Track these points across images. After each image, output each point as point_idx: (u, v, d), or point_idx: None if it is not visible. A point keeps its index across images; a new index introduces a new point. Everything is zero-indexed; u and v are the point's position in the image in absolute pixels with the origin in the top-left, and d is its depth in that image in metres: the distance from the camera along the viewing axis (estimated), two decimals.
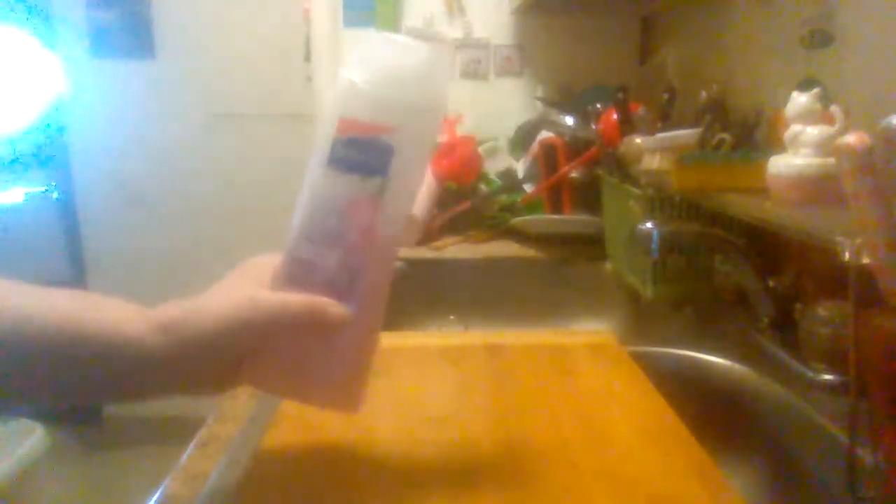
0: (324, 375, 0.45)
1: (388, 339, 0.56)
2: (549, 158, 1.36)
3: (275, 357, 0.45)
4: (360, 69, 0.45)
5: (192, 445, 0.59)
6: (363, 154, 0.43)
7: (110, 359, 0.42)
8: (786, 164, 0.73)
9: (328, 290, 0.44)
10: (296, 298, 0.44)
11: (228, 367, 0.45)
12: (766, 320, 0.81)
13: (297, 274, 0.45)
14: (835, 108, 0.69)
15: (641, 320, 1.10)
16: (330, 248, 0.44)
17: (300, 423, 0.56)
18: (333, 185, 0.44)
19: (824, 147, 0.70)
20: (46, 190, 2.51)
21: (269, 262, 0.47)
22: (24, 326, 0.40)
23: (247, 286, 0.46)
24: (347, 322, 0.44)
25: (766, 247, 0.85)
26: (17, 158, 2.48)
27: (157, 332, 0.42)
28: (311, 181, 0.45)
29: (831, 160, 0.68)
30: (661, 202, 0.96)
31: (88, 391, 0.45)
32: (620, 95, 1.16)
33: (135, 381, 0.44)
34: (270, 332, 0.44)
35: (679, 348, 0.83)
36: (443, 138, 1.59)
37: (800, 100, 0.72)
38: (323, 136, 0.45)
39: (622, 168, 1.07)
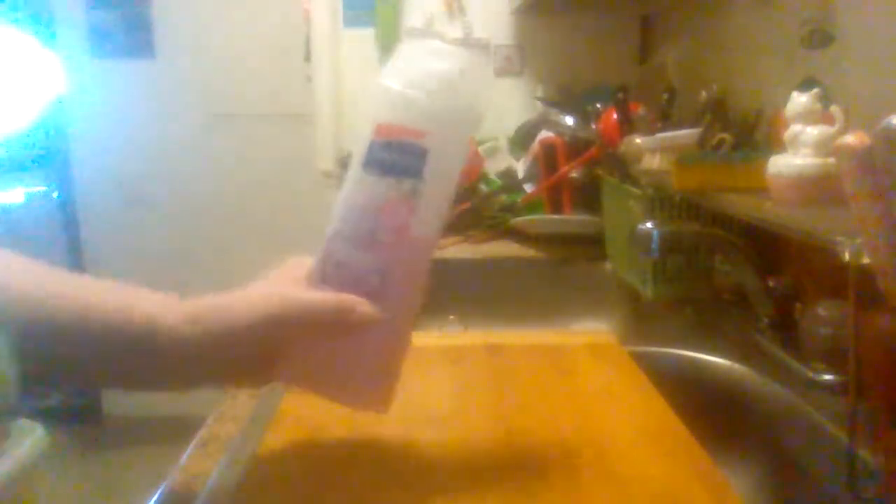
0: (353, 374, 0.46)
1: None
2: (549, 158, 1.36)
3: (306, 354, 0.46)
4: (397, 74, 0.46)
5: (192, 445, 0.59)
6: (398, 157, 0.44)
7: (144, 346, 0.43)
8: (786, 164, 0.73)
9: (360, 289, 0.44)
10: (324, 297, 0.45)
11: (259, 362, 0.46)
12: (766, 320, 0.81)
13: (330, 274, 0.45)
14: (835, 108, 0.69)
15: (641, 320, 1.10)
16: (363, 249, 0.45)
17: (300, 423, 0.56)
18: (368, 188, 0.45)
19: (824, 147, 0.70)
20: (46, 190, 2.51)
21: (308, 262, 0.48)
22: (67, 314, 0.42)
23: (281, 284, 0.47)
24: (375, 322, 0.44)
25: (766, 247, 0.85)
26: (18, 158, 2.48)
27: (190, 322, 0.43)
28: (348, 184, 0.46)
29: (831, 160, 0.68)
30: (661, 202, 0.96)
31: (121, 378, 0.46)
32: (620, 95, 1.16)
33: (167, 370, 0.45)
34: (299, 329, 0.45)
35: (679, 348, 0.83)
36: None
37: (800, 100, 0.72)
38: (361, 140, 0.46)
39: (622, 168, 1.07)
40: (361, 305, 0.44)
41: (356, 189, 0.46)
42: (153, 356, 0.43)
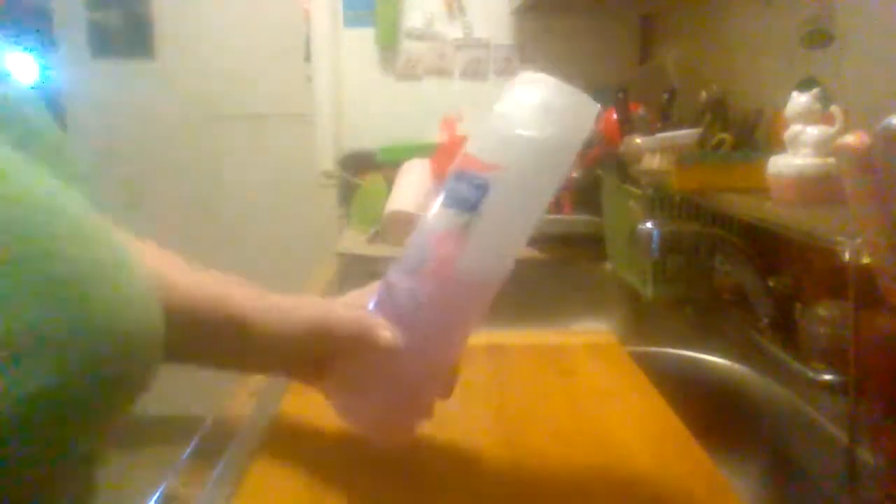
0: (374, 403, 0.45)
1: None
2: None
3: (340, 374, 0.46)
4: (500, 104, 0.45)
5: (192, 445, 0.58)
6: (461, 188, 0.43)
7: (236, 330, 0.47)
8: (786, 164, 0.73)
9: (396, 312, 0.43)
10: (347, 314, 0.45)
11: (307, 368, 0.48)
12: (766, 320, 0.81)
13: (381, 293, 0.45)
14: (835, 108, 0.69)
15: (641, 320, 1.10)
16: (409, 274, 0.44)
17: (300, 423, 0.56)
18: (434, 217, 0.44)
19: (824, 147, 0.70)
20: None
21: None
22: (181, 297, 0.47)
23: (336, 301, 0.49)
24: (393, 347, 0.43)
25: (766, 247, 0.85)
26: None
27: (276, 311, 0.47)
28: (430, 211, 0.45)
29: (831, 160, 0.68)
30: (661, 202, 0.96)
31: (209, 358, 0.52)
32: (620, 95, 1.16)
33: (250, 354, 0.49)
34: (327, 343, 0.45)
35: (679, 348, 0.83)
36: (443, 138, 1.59)
37: (800, 100, 0.72)
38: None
39: (622, 168, 1.07)
40: (381, 329, 0.43)
41: (428, 217, 0.45)
42: (243, 340, 0.47)
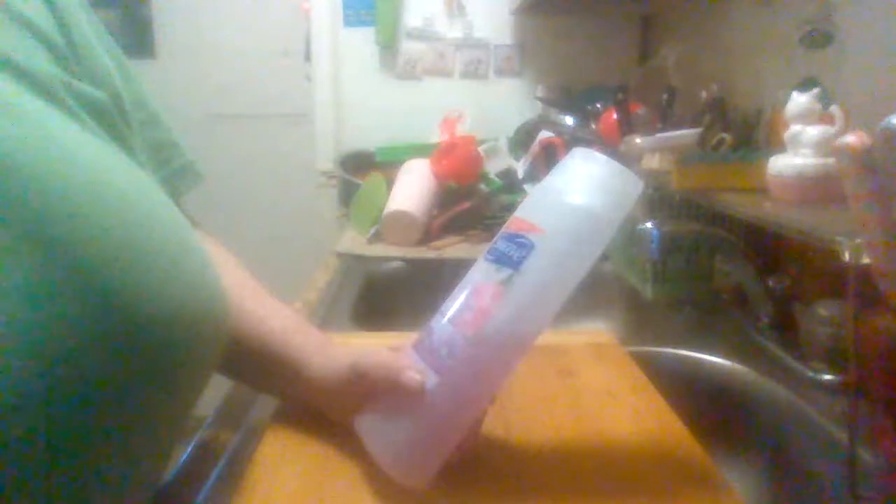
0: (396, 441, 0.47)
1: (389, 340, 0.56)
2: (549, 158, 1.36)
3: (373, 411, 0.48)
4: (552, 176, 0.48)
5: (192, 445, 0.59)
6: (508, 246, 0.45)
7: (296, 372, 0.53)
8: (786, 164, 0.73)
9: (430, 357, 0.45)
10: (379, 357, 0.47)
11: (345, 406, 0.50)
12: (766, 320, 0.81)
13: (421, 335, 0.47)
14: (835, 108, 0.69)
15: (641, 320, 1.10)
16: (447, 320, 0.46)
17: (300, 423, 0.56)
18: (477, 270, 0.47)
19: (824, 147, 0.70)
20: None
21: None
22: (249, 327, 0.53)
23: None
24: (419, 391, 0.44)
25: (766, 247, 0.85)
26: None
27: (322, 356, 0.52)
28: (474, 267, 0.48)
29: (831, 160, 0.68)
30: (661, 202, 0.96)
31: (266, 387, 0.59)
32: (620, 95, 1.16)
33: (300, 391, 0.53)
34: (366, 383, 0.48)
35: (679, 348, 0.83)
36: (443, 138, 1.59)
37: (800, 100, 0.72)
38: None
39: None
40: (410, 371, 0.45)
41: (472, 270, 0.47)
42: (292, 380, 0.53)
